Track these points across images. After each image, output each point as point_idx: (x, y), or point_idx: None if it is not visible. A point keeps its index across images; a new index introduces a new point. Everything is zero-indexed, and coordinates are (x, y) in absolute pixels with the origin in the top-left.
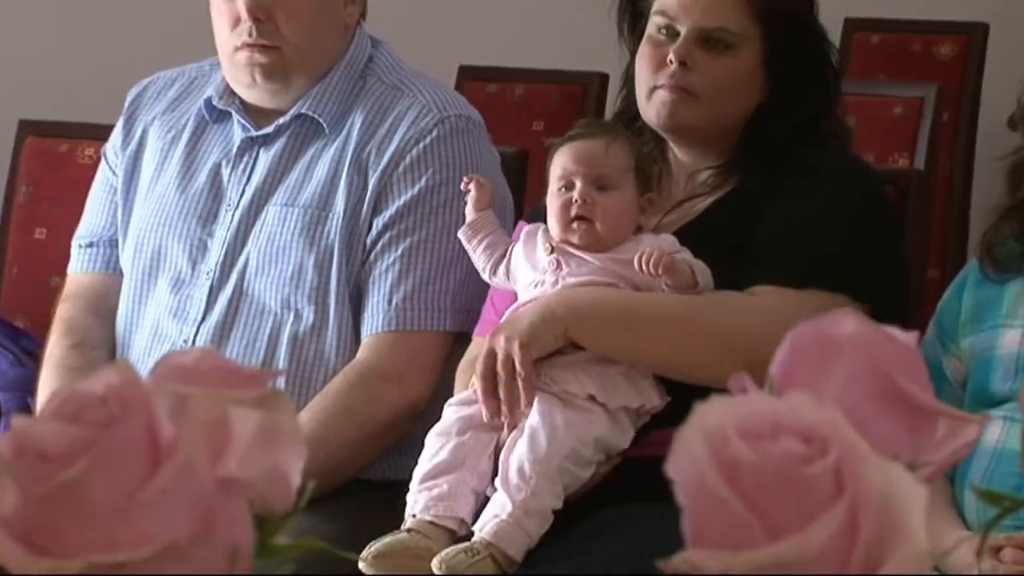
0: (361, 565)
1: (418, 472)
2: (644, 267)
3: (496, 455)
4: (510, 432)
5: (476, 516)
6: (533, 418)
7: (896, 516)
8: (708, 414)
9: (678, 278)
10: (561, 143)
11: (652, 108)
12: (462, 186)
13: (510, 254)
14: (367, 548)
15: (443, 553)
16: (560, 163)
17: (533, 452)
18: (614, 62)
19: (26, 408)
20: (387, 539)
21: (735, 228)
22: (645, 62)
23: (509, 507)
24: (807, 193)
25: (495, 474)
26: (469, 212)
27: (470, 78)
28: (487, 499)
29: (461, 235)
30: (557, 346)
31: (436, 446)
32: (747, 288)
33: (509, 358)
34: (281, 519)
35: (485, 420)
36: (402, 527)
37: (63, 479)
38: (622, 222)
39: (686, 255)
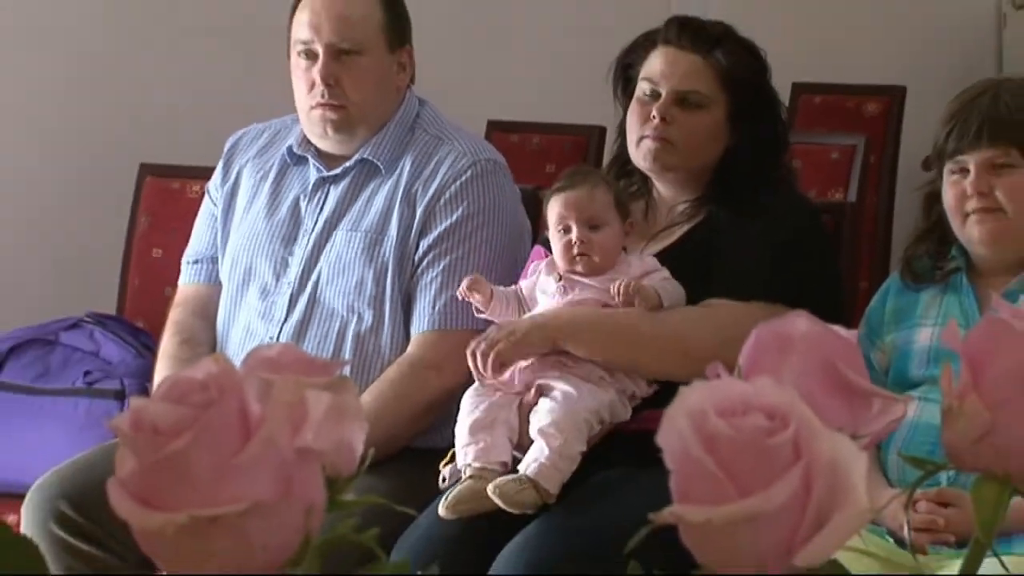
0: (442, 512)
1: (461, 427)
2: (616, 295)
3: (519, 411)
4: (534, 397)
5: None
6: (564, 387)
7: (842, 477)
8: (690, 396)
9: (646, 300)
10: (552, 193)
11: (640, 154)
12: (460, 294)
13: (522, 287)
14: (443, 499)
15: (497, 480)
16: (555, 210)
17: (565, 409)
18: (610, 117)
19: (144, 391)
20: (456, 489)
21: (704, 251)
22: (634, 117)
23: (547, 452)
24: (759, 226)
25: (520, 426)
26: (481, 308)
27: (496, 130)
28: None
29: (486, 316)
30: (544, 350)
31: (472, 404)
32: (706, 300)
33: (496, 342)
34: (347, 480)
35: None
36: (463, 475)
37: (171, 449)
38: (613, 250)
39: (663, 273)
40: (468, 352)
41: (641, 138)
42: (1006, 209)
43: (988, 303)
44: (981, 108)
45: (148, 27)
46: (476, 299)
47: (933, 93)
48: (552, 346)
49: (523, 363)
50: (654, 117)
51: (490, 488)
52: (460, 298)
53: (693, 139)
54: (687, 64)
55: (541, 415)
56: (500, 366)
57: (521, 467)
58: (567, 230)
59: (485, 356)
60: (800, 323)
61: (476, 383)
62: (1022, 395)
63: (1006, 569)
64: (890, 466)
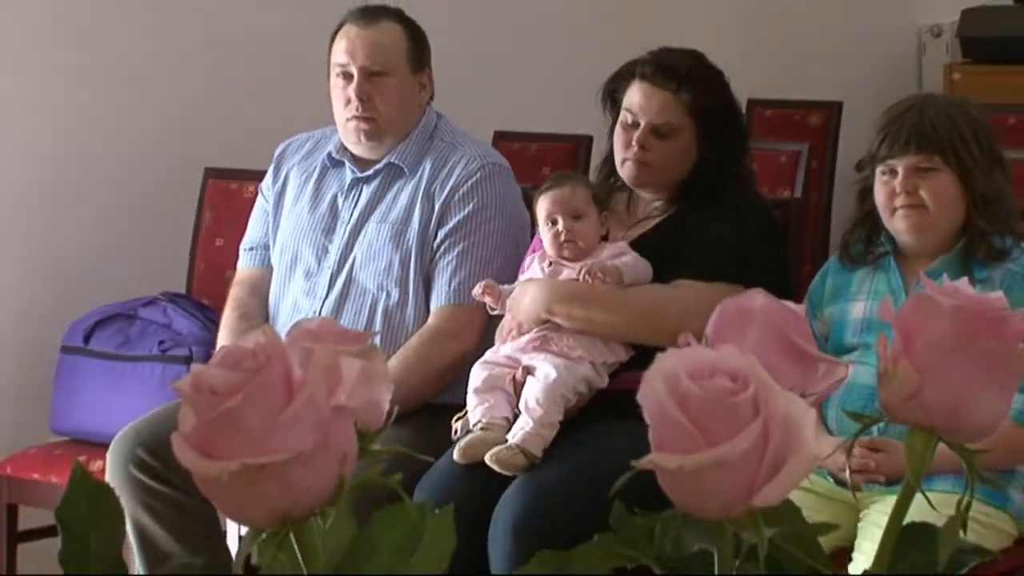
0: (456, 457)
1: (470, 393)
2: (582, 277)
3: (513, 383)
4: (523, 375)
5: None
6: (545, 366)
7: (795, 429)
8: (666, 361)
9: (609, 274)
10: (541, 192)
11: (624, 172)
12: (476, 294)
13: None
14: (456, 445)
15: (493, 450)
16: (544, 206)
17: (544, 387)
18: (595, 128)
19: (209, 358)
20: (467, 438)
21: (674, 239)
22: (619, 140)
23: (531, 423)
24: (719, 220)
25: (516, 394)
26: (493, 306)
27: (501, 139)
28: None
29: (496, 312)
30: (541, 321)
31: (477, 376)
32: (673, 281)
33: (516, 321)
34: (376, 433)
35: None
36: (473, 429)
37: (225, 408)
38: (593, 237)
39: (630, 255)
40: (497, 332)
41: (624, 159)
42: (928, 206)
43: (911, 281)
44: (910, 121)
45: (209, 53)
46: (488, 301)
47: (865, 107)
48: (545, 309)
49: (534, 332)
50: (634, 144)
51: (487, 457)
52: (479, 295)
53: (667, 161)
54: (659, 100)
55: (526, 393)
56: (518, 330)
57: (510, 437)
58: (555, 222)
59: (513, 334)
60: (758, 299)
61: (480, 361)
62: (946, 360)
63: (931, 505)
64: (830, 419)
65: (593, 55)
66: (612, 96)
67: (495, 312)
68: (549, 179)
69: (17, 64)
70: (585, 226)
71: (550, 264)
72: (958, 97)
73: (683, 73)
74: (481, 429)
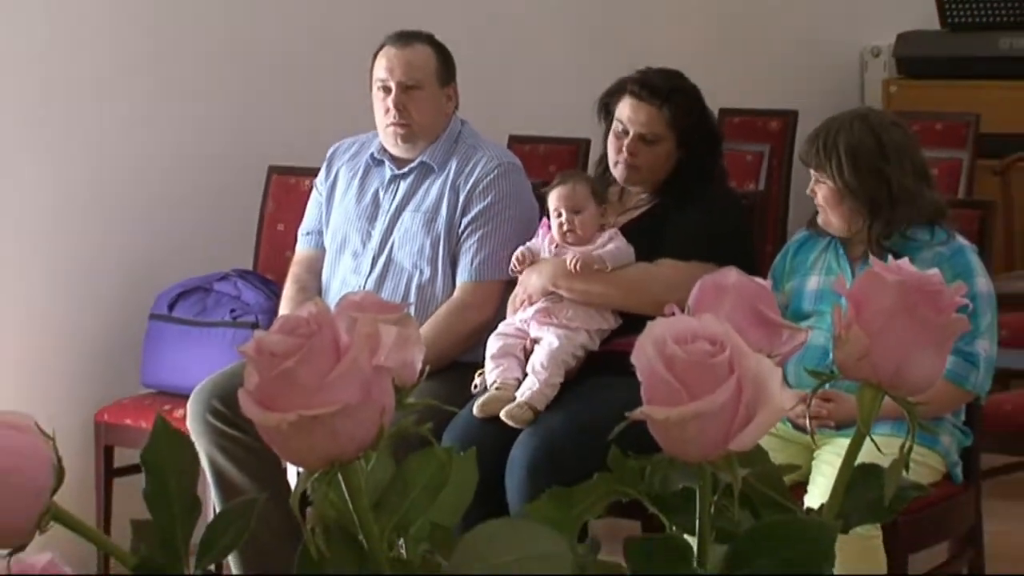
0: (475, 412)
1: (488, 356)
2: (572, 268)
3: (523, 351)
4: (531, 344)
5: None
6: (549, 336)
7: (764, 384)
8: (655, 328)
9: (593, 263)
10: (550, 188)
11: (616, 172)
12: (515, 259)
13: (533, 244)
14: (475, 402)
15: (506, 407)
16: (551, 200)
17: (548, 353)
18: (593, 132)
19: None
20: (485, 396)
21: (658, 224)
22: (612, 146)
23: (537, 383)
24: (696, 209)
25: (525, 358)
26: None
27: (515, 141)
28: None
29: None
30: (547, 293)
31: (493, 344)
32: (657, 260)
33: (527, 293)
34: (410, 388)
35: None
36: (489, 388)
37: (283, 367)
38: (592, 226)
39: (618, 240)
40: (509, 302)
41: (616, 162)
42: (825, 207)
43: (855, 259)
44: (814, 140)
45: (271, 73)
46: (516, 265)
47: (816, 115)
48: (551, 283)
49: (540, 304)
50: (624, 150)
51: (502, 413)
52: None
53: (652, 164)
54: (646, 113)
55: (533, 359)
56: (528, 300)
57: (518, 395)
58: (559, 215)
59: (522, 305)
60: (731, 276)
61: (496, 332)
62: (891, 327)
63: (878, 448)
64: (789, 375)
65: (591, 72)
66: (606, 108)
67: (516, 272)
68: (557, 177)
69: (113, 88)
70: (583, 218)
71: (556, 247)
72: (873, 114)
73: (665, 93)
74: (496, 388)
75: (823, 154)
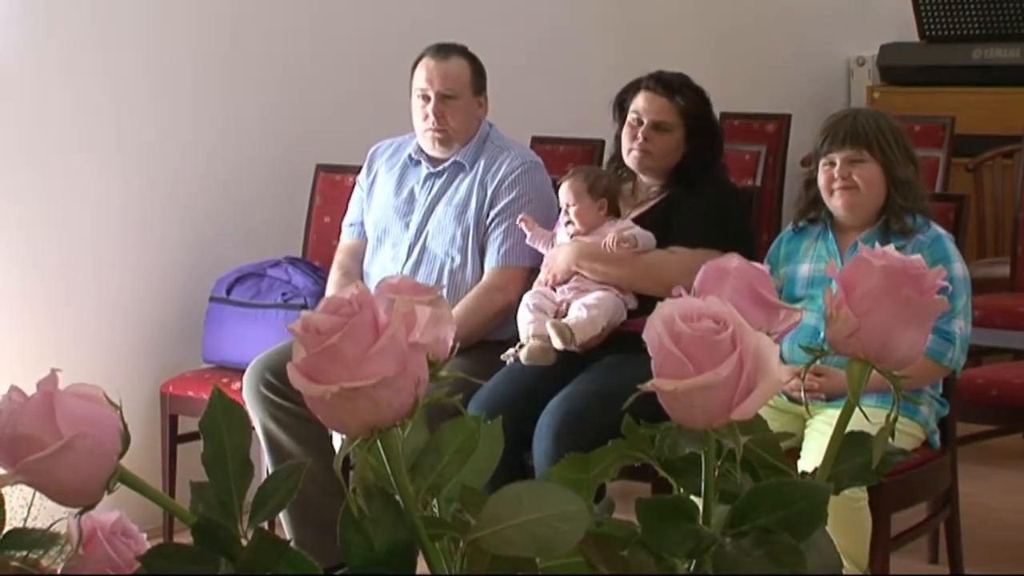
0: (523, 359)
1: (523, 315)
2: (610, 246)
3: (556, 312)
4: (565, 307)
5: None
6: (595, 292)
7: (763, 360)
8: (664, 308)
9: (629, 241)
10: (563, 181)
11: (630, 159)
12: (520, 223)
13: (553, 235)
14: (518, 349)
15: (551, 320)
16: (563, 194)
17: (598, 296)
18: (607, 134)
19: None
20: (527, 346)
21: (668, 215)
22: (626, 135)
23: (584, 314)
24: (704, 200)
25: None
26: (527, 232)
27: (537, 143)
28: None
29: (528, 242)
30: (572, 274)
31: (528, 302)
32: (669, 246)
33: (552, 274)
34: (442, 363)
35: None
36: (526, 342)
37: (328, 343)
38: (588, 219)
39: (634, 229)
40: (537, 281)
41: (630, 150)
42: (859, 187)
43: (844, 248)
44: (845, 125)
45: (320, 79)
46: (524, 227)
47: (807, 119)
48: (575, 264)
49: (572, 283)
50: (639, 138)
51: (548, 323)
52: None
53: (663, 151)
54: (659, 104)
55: (582, 299)
56: (553, 280)
57: (566, 320)
58: (570, 207)
59: (551, 283)
60: (734, 261)
61: (530, 291)
62: (878, 307)
63: (866, 417)
64: (784, 352)
65: (606, 80)
66: (621, 105)
67: (530, 241)
68: (569, 171)
69: (197, 97)
70: (578, 210)
71: (574, 234)
72: (880, 111)
73: (677, 87)
74: (534, 338)
75: (870, 133)
